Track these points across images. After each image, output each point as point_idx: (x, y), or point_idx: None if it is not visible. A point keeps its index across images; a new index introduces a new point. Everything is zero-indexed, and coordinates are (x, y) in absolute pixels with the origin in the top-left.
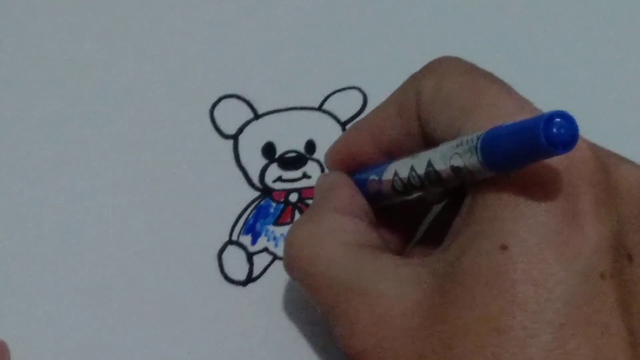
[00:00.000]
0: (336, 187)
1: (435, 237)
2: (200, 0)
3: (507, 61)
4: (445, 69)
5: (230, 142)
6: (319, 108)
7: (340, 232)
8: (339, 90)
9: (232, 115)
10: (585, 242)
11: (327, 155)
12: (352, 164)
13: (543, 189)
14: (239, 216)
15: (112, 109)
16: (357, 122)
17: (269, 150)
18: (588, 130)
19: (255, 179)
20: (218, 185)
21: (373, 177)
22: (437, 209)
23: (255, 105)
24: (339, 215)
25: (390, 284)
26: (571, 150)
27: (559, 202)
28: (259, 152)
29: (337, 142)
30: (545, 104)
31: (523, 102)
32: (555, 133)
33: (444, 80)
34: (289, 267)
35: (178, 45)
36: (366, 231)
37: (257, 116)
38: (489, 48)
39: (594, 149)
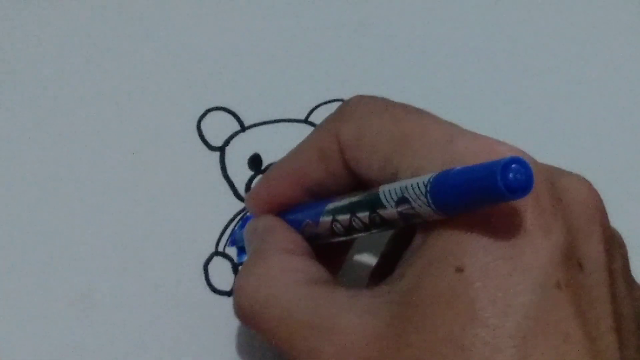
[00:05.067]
0: (273, 228)
1: (381, 265)
2: (187, 14)
3: (492, 75)
4: (362, 112)
5: (217, 154)
6: (305, 120)
7: (292, 271)
8: (324, 103)
9: (218, 128)
10: (538, 253)
11: (249, 198)
12: (276, 206)
13: (492, 207)
14: (225, 227)
15: (99, 121)
16: (278, 164)
17: (255, 161)
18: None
19: (242, 191)
20: (205, 196)
21: (308, 221)
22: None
23: (242, 118)
24: (286, 255)
25: (348, 316)
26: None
27: (509, 217)
28: (245, 164)
29: (259, 185)
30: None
31: (453, 127)
32: (512, 179)
33: (364, 123)
34: (241, 311)
35: (165, 58)
36: (314, 267)
37: (243, 128)
38: (468, 60)
39: (537, 163)
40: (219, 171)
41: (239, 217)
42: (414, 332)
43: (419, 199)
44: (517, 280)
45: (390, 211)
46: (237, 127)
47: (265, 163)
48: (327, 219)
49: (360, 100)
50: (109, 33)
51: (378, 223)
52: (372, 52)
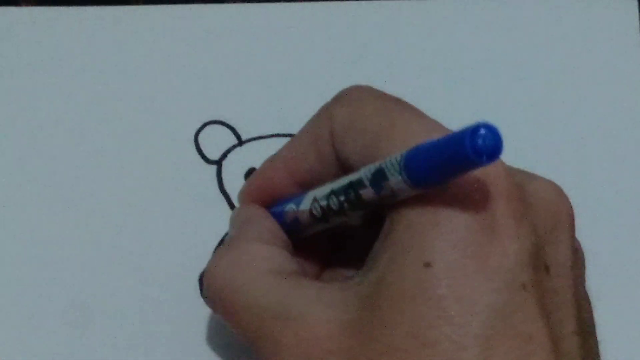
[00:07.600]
0: (253, 218)
1: (353, 261)
2: (185, 28)
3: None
4: (357, 97)
5: (214, 168)
6: None
7: (261, 260)
8: None
9: (216, 141)
10: (506, 255)
11: (242, 191)
12: (268, 198)
13: (462, 205)
14: (221, 241)
15: (98, 134)
16: (272, 155)
17: None
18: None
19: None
20: (201, 210)
21: (291, 206)
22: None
23: (239, 131)
24: (258, 244)
25: (314, 308)
26: (488, 166)
27: (478, 217)
28: (242, 178)
29: (252, 177)
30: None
31: (435, 124)
32: (480, 144)
33: (357, 107)
34: (211, 298)
35: (163, 72)
36: (286, 259)
37: (240, 142)
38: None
39: (506, 166)
40: (216, 185)
41: None
42: (379, 326)
43: (393, 169)
44: (484, 280)
45: (367, 190)
46: (235, 141)
47: None
48: (308, 202)
49: (357, 88)
50: (108, 44)
51: (353, 201)
52: (371, 68)
